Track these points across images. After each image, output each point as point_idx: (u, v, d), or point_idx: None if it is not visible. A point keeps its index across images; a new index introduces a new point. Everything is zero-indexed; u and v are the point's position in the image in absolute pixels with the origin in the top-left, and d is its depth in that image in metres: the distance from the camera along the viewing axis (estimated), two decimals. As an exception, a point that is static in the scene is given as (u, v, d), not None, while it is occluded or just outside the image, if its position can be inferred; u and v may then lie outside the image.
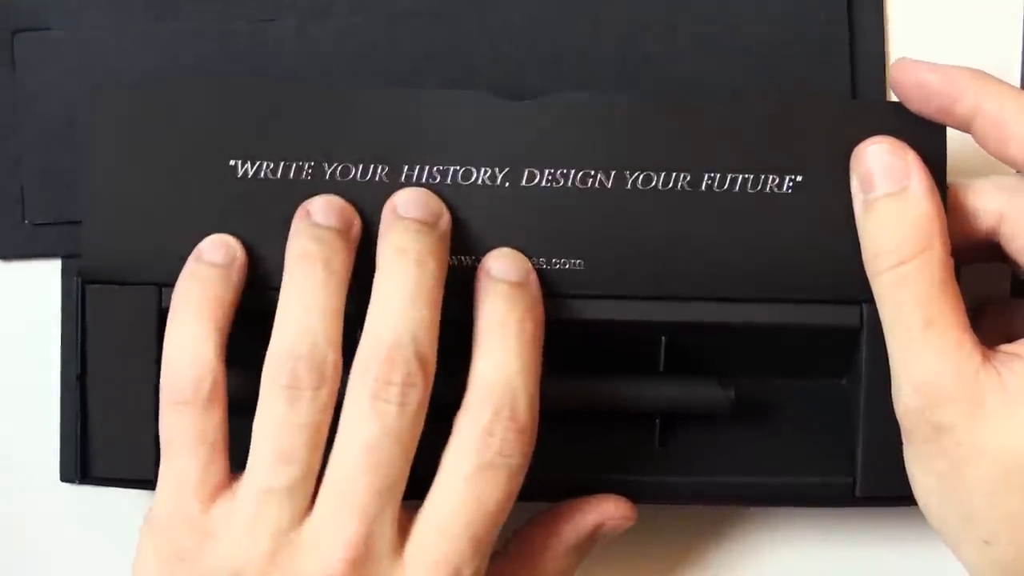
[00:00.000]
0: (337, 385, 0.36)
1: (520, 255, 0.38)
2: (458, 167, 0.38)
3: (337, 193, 0.38)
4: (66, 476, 0.40)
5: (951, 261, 0.36)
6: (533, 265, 0.38)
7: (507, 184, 0.38)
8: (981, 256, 0.38)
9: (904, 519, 0.43)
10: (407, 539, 0.36)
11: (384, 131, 0.38)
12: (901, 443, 0.38)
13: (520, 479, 0.36)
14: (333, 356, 0.36)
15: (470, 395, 0.36)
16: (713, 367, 0.40)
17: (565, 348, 0.39)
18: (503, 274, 0.38)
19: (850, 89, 0.43)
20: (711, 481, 0.40)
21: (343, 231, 0.37)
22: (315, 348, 0.35)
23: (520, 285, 0.37)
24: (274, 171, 0.38)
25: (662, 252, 0.39)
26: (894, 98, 0.38)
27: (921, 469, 0.37)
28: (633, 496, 0.40)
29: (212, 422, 0.36)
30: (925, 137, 0.38)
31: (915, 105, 0.38)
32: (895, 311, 0.36)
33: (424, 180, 0.38)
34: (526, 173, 0.38)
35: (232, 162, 0.38)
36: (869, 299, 0.38)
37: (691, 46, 0.43)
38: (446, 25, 0.42)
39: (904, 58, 0.38)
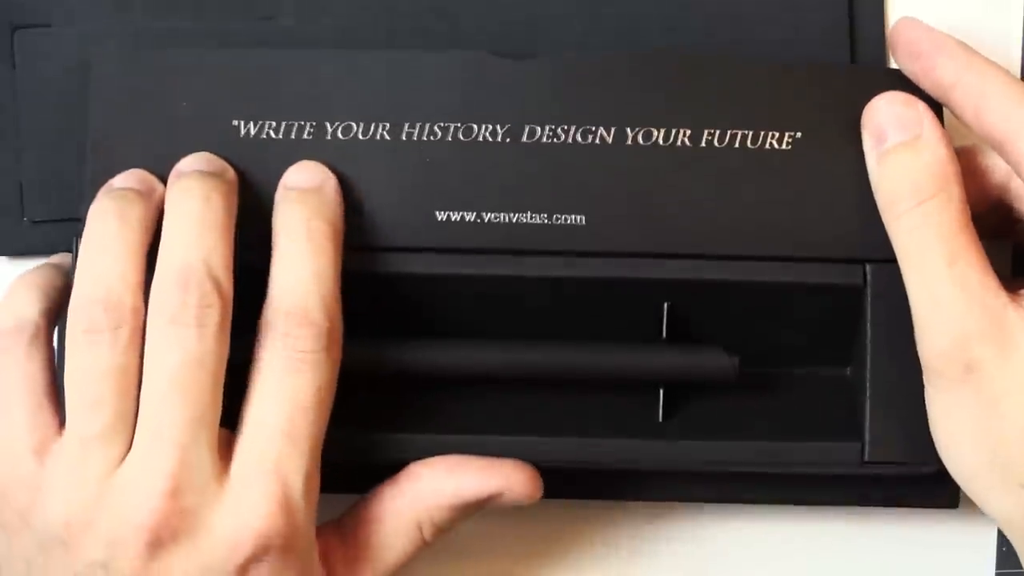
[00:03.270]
0: (139, 325, 0.36)
1: (319, 166, 0.38)
2: (459, 124, 0.38)
3: (339, 151, 0.38)
4: None
5: (968, 208, 0.36)
6: (532, 221, 0.39)
7: (508, 140, 0.38)
8: (987, 228, 0.38)
9: (904, 519, 0.43)
10: (231, 460, 0.36)
11: (384, 92, 0.39)
12: (910, 406, 0.37)
13: (330, 374, 0.36)
14: (131, 298, 0.36)
15: (268, 301, 0.37)
16: (716, 336, 0.40)
17: (566, 317, 0.38)
18: (295, 183, 0.38)
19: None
20: (715, 446, 0.39)
21: (143, 192, 0.38)
22: (110, 290, 0.36)
23: (311, 191, 0.38)
24: (276, 130, 0.39)
25: (664, 208, 0.39)
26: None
27: (950, 416, 0.36)
28: (636, 465, 0.39)
29: (34, 367, 0.37)
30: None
31: (900, 60, 0.38)
32: (918, 251, 0.36)
33: (425, 137, 0.39)
34: (527, 129, 0.38)
35: (235, 122, 0.39)
36: (872, 258, 0.38)
37: (695, 42, 0.42)
38: (445, 23, 0.43)
39: (908, 17, 0.38)
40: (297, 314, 0.36)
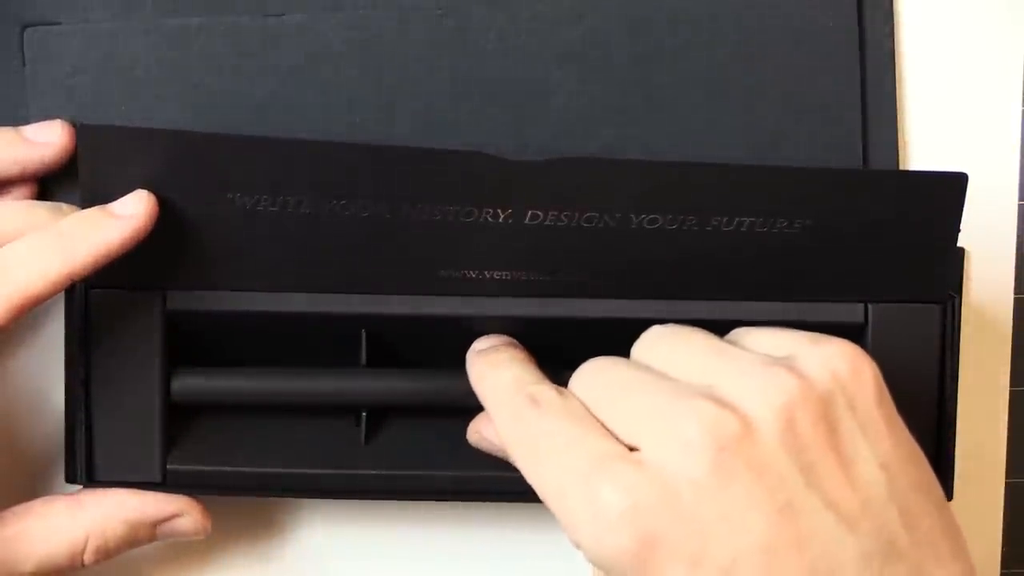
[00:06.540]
0: None
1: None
2: (458, 207, 0.38)
3: (341, 227, 0.38)
4: (71, 478, 0.40)
5: None
6: (535, 279, 0.39)
7: (510, 221, 0.38)
8: None
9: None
10: None
11: (386, 183, 0.38)
12: None
13: None
14: None
15: None
16: None
17: (568, 347, 0.39)
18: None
19: (859, 86, 0.43)
20: None
21: None
22: None
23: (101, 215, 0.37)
24: (272, 204, 0.38)
25: (669, 271, 0.39)
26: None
27: None
28: None
29: None
30: (937, 204, 0.38)
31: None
32: None
33: (426, 217, 0.38)
34: (529, 214, 0.38)
35: (230, 195, 0.38)
36: (873, 298, 0.39)
37: (701, 41, 0.43)
38: (455, 18, 0.42)
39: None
40: None
